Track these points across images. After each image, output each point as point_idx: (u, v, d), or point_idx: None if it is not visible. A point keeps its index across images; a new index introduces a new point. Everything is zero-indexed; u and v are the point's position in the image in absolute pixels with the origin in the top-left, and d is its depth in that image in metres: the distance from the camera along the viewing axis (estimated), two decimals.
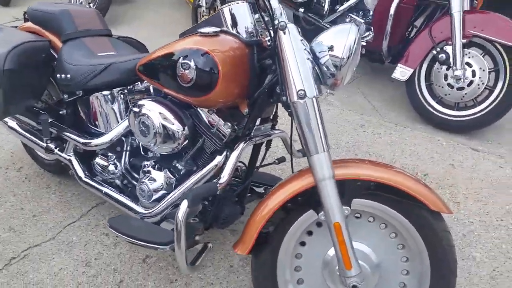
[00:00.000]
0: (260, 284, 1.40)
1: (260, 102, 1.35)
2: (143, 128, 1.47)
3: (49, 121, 1.89)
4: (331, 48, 1.21)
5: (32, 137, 2.03)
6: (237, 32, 1.34)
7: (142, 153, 1.73)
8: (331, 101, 3.24)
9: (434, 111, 2.84)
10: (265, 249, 1.35)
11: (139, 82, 1.68)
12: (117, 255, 1.84)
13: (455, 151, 2.60)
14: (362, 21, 3.38)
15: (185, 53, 1.30)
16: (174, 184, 1.54)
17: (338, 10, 3.50)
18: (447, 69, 2.73)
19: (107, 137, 1.70)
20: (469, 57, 2.68)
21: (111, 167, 1.73)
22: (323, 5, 3.61)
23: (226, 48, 1.28)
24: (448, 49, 2.67)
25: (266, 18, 1.26)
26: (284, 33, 1.19)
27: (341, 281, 1.26)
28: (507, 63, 2.56)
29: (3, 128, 2.21)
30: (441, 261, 1.24)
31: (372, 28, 3.21)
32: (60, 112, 1.91)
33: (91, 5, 4.56)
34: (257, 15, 1.35)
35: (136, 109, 1.49)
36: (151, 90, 1.63)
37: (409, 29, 3.24)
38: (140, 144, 1.73)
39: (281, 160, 1.73)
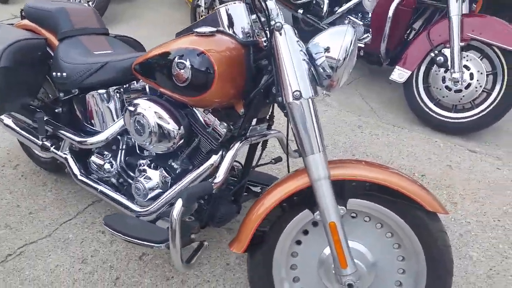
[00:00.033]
0: (255, 282, 1.40)
1: (256, 103, 1.35)
2: (138, 127, 1.47)
3: (45, 119, 1.88)
4: (327, 50, 1.21)
5: (28, 135, 2.03)
6: (234, 32, 1.34)
7: (138, 151, 1.73)
8: (329, 102, 3.24)
9: (431, 113, 2.84)
10: (260, 247, 1.35)
11: (135, 81, 1.68)
12: (114, 253, 1.84)
13: (452, 153, 2.60)
14: (361, 23, 3.38)
15: (180, 52, 1.30)
16: (169, 183, 1.54)
17: (336, 12, 3.50)
18: (445, 72, 2.73)
19: (102, 135, 1.69)
20: (467, 60, 2.68)
21: (107, 166, 1.73)
22: (322, 6, 3.62)
23: (222, 48, 1.28)
24: (446, 51, 2.67)
25: (263, 19, 1.26)
26: (280, 34, 1.19)
27: (337, 280, 1.26)
28: (505, 66, 2.57)
29: None
30: (437, 261, 1.24)
31: (370, 30, 3.21)
32: (56, 110, 1.90)
33: (90, 3, 4.55)
34: (253, 16, 1.35)
35: (131, 108, 1.49)
36: (147, 89, 1.63)
37: (408, 32, 3.24)
38: (136, 142, 1.73)
39: (278, 160, 1.73)
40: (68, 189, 2.23)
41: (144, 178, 1.55)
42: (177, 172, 1.54)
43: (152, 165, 1.59)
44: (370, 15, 3.22)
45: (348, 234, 1.22)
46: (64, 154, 1.87)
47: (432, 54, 2.74)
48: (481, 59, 2.66)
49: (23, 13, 1.99)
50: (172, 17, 5.14)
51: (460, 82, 2.65)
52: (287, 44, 1.18)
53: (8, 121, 2.12)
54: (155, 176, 1.55)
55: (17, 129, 2.08)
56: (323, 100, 3.26)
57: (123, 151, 1.73)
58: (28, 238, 1.92)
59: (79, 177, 1.80)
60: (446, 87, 2.74)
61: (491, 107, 2.63)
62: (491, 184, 2.30)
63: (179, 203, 1.26)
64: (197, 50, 1.27)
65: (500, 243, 1.90)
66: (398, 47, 3.18)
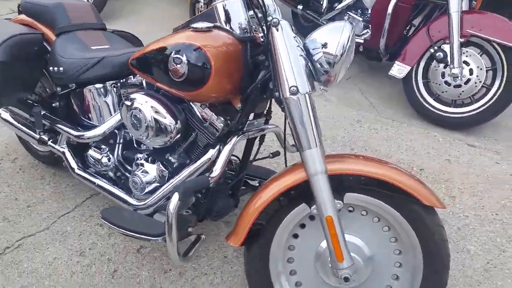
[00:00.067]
0: (252, 275, 1.40)
1: (253, 98, 1.35)
2: (135, 122, 1.47)
3: (42, 113, 1.88)
4: (324, 45, 1.21)
5: (26, 129, 2.03)
6: (231, 28, 1.33)
7: (135, 145, 1.73)
8: (328, 97, 3.24)
9: (431, 108, 2.84)
10: (257, 241, 1.35)
11: (132, 76, 1.68)
12: (111, 245, 1.85)
13: (451, 147, 2.60)
14: (360, 19, 3.38)
15: (177, 47, 1.29)
16: (167, 177, 1.54)
17: (336, 8, 3.50)
18: (445, 67, 2.72)
19: (100, 129, 1.69)
20: (466, 56, 2.67)
21: (104, 160, 1.73)
22: (321, 2, 3.62)
23: (219, 43, 1.28)
24: (446, 47, 2.67)
25: (259, 15, 1.26)
26: (277, 29, 1.19)
27: (333, 273, 1.26)
28: (505, 63, 2.56)
29: None
30: (434, 255, 1.24)
31: (370, 26, 3.20)
32: (53, 105, 1.90)
33: None
34: (251, 12, 1.34)
35: (128, 103, 1.49)
36: (144, 84, 1.63)
37: (407, 28, 3.23)
38: (133, 137, 1.73)
39: (276, 154, 1.74)
40: (66, 183, 2.24)
41: (142, 172, 1.56)
42: (174, 166, 1.54)
43: (149, 159, 1.59)
44: (369, 11, 3.21)
45: (345, 228, 1.22)
46: (62, 148, 1.87)
47: (432, 50, 2.73)
48: (480, 55, 2.66)
49: (20, 8, 1.98)
50: (171, 13, 5.13)
51: (459, 78, 2.64)
52: (284, 40, 1.18)
53: (6, 115, 2.12)
54: (152, 170, 1.55)
55: (15, 123, 2.08)
56: (322, 95, 3.26)
57: (120, 145, 1.73)
58: (26, 231, 1.92)
59: (77, 171, 1.80)
60: (446, 82, 2.74)
61: (491, 102, 2.63)
62: (489, 178, 2.30)
63: (175, 197, 1.27)
64: (194, 45, 1.26)
65: (497, 236, 1.91)
66: (398, 43, 3.18)
